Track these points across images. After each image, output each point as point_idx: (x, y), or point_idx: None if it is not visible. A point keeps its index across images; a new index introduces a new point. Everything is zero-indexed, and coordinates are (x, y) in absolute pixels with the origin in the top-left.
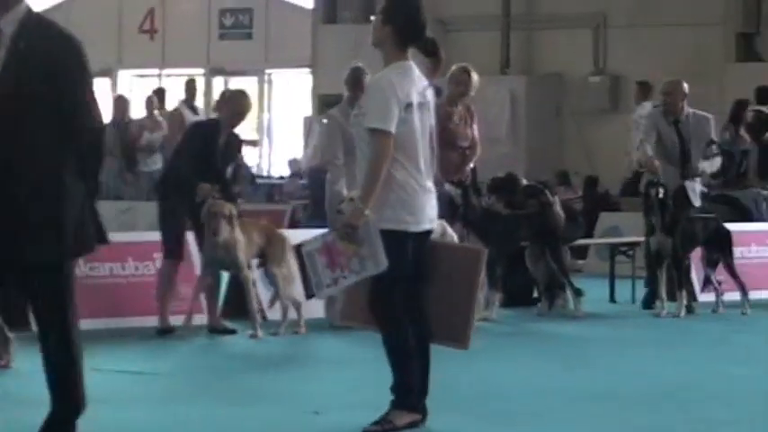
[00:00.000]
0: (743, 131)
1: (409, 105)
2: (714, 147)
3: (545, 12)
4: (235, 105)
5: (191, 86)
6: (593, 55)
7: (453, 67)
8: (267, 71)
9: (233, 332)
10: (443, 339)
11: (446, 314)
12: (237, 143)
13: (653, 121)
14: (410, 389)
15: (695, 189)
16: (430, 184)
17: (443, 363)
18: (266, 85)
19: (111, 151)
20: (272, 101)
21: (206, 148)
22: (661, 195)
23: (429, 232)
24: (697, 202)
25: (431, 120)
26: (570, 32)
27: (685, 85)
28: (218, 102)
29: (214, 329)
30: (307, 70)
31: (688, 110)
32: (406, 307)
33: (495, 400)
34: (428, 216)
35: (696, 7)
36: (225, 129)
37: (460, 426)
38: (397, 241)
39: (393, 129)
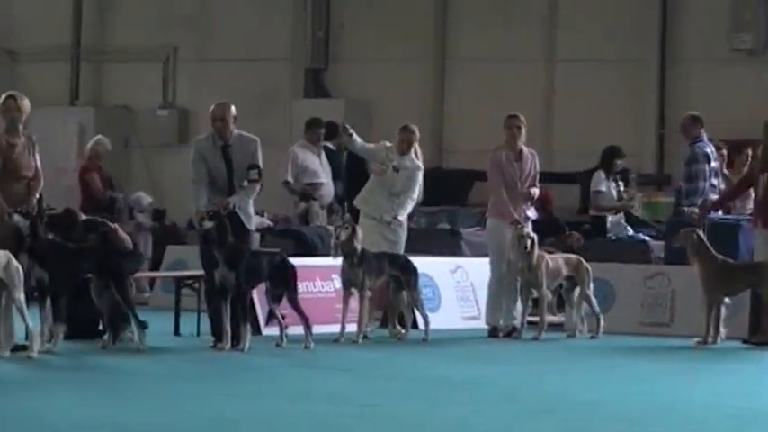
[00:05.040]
0: None
1: None
2: (254, 172)
3: (115, 44)
4: None
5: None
6: (161, 88)
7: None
8: None
9: None
10: None
11: None
12: None
13: (198, 151)
14: None
15: (249, 212)
16: None
17: (2, 396)
18: None
19: None
20: None
21: None
22: (208, 226)
23: None
24: (251, 226)
25: None
26: (139, 65)
27: (233, 108)
28: None
29: None
30: None
31: (235, 132)
32: None
33: None
34: None
35: (264, 44)
36: None
37: None
38: None
39: None
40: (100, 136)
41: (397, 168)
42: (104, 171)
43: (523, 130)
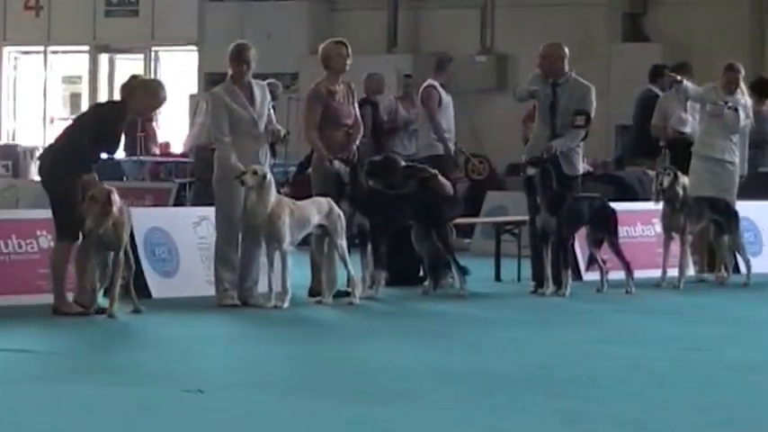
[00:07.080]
0: None
1: None
2: (581, 118)
3: None
4: (152, 99)
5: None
6: (479, 34)
7: (326, 43)
8: (153, 48)
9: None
10: None
11: None
12: None
13: (530, 82)
14: None
15: (571, 158)
16: None
17: (327, 341)
18: (152, 63)
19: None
20: (159, 78)
21: (108, 132)
22: (531, 173)
23: None
24: (574, 172)
25: None
26: (457, 11)
27: (565, 49)
28: (128, 86)
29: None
30: (193, 48)
31: (569, 75)
32: None
33: (376, 380)
34: None
35: None
36: (131, 115)
37: (341, 405)
38: None
39: None
40: None
41: (734, 107)
42: None
43: None
